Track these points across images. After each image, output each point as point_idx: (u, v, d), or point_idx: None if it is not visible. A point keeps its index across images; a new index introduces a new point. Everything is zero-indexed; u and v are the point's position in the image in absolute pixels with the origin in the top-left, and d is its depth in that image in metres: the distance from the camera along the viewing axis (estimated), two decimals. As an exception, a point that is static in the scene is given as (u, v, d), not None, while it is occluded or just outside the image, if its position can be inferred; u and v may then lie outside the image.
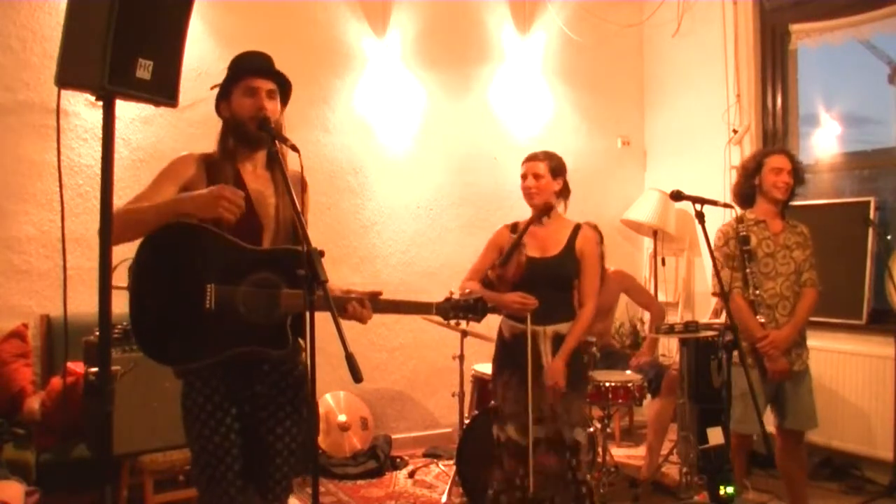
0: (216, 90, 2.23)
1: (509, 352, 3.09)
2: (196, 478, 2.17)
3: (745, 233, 3.27)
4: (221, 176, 2.14)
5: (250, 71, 2.21)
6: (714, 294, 3.26)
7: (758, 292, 3.24)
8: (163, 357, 2.09)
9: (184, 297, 2.04)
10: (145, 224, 2.03)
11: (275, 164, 2.23)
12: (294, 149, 2.08)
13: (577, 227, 3.14)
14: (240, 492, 2.14)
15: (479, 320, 2.31)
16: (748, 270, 3.24)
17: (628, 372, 3.99)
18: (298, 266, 1.94)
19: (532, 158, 3.13)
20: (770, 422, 3.36)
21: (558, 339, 3.03)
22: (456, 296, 2.32)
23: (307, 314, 1.98)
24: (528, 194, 3.11)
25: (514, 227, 3.16)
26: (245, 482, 2.16)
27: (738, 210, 3.41)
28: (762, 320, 3.22)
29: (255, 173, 2.24)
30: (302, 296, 1.97)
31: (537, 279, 3.00)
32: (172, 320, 2.04)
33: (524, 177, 3.12)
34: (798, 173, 3.33)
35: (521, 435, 2.99)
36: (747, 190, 3.39)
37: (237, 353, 2.08)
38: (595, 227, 4.31)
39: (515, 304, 2.94)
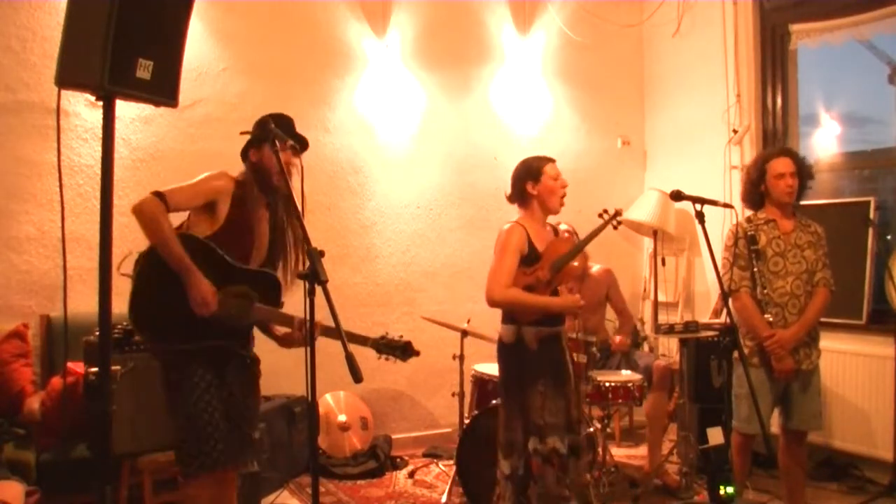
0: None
1: (539, 359, 2.91)
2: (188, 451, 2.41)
3: (752, 232, 3.26)
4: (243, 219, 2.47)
5: (287, 145, 2.45)
6: (723, 292, 3.26)
7: (766, 291, 3.23)
8: (155, 336, 2.44)
9: (180, 293, 2.32)
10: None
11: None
12: (294, 149, 2.10)
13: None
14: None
15: (404, 360, 2.76)
16: (755, 270, 3.24)
17: (628, 372, 3.99)
18: (272, 287, 2.51)
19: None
20: (775, 422, 3.35)
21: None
22: (391, 335, 2.78)
23: (307, 313, 2.00)
24: (562, 198, 3.04)
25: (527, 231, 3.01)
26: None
27: (739, 211, 3.40)
28: (770, 319, 3.20)
29: (260, 217, 2.56)
30: (269, 310, 2.49)
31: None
32: (167, 308, 2.35)
33: (558, 179, 3.02)
34: (803, 171, 3.32)
35: (563, 444, 2.86)
36: (755, 196, 3.38)
37: (212, 345, 2.44)
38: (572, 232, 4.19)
39: (577, 305, 2.93)
